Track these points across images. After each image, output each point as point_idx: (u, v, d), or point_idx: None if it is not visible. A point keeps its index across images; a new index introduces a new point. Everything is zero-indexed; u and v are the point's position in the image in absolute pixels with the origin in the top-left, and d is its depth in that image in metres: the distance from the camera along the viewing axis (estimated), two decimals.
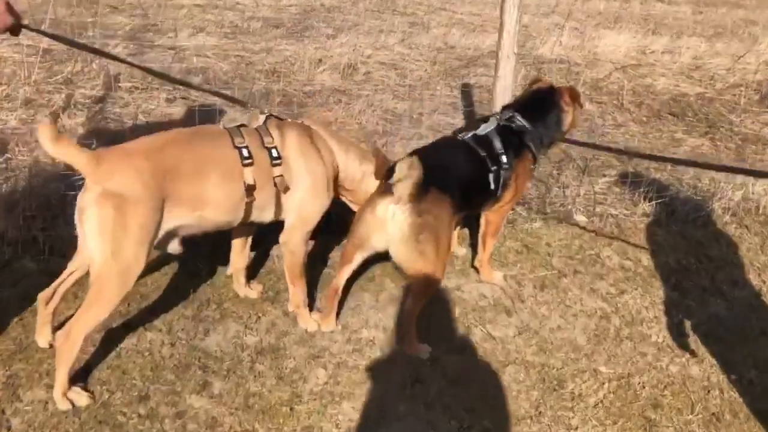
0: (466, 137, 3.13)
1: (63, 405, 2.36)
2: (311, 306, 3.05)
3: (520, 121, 3.21)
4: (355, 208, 3.10)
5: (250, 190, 2.63)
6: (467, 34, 8.37)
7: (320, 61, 6.54)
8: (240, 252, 3.08)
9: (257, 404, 2.53)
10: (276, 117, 2.86)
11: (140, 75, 5.66)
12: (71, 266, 2.54)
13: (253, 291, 3.12)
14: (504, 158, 3.10)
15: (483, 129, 3.16)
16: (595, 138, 5.10)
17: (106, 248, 2.26)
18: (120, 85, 5.40)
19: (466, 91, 6.12)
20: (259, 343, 2.84)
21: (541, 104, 3.33)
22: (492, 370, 2.86)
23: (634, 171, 4.72)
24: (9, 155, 4.05)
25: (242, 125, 2.73)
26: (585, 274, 3.58)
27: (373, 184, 2.91)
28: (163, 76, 3.33)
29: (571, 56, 7.43)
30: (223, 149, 2.57)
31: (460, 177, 2.97)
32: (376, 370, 2.77)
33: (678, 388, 2.86)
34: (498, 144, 3.12)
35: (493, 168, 3.08)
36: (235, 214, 2.69)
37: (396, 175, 2.63)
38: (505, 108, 3.36)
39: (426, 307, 3.13)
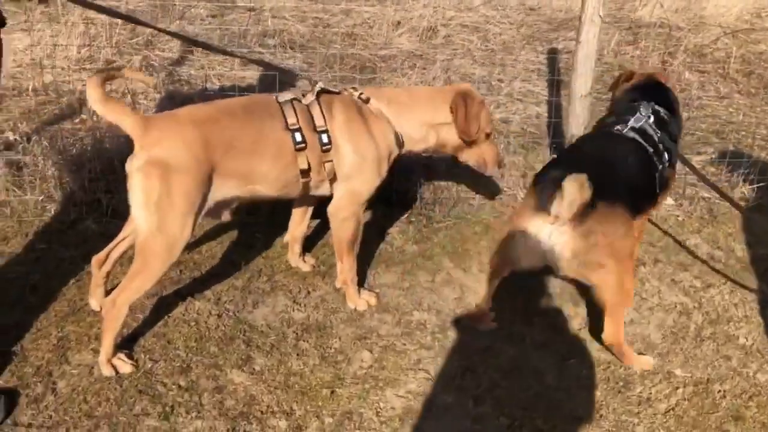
0: (625, 130, 2.74)
1: (107, 371, 2.37)
2: (362, 283, 2.92)
3: (664, 112, 2.86)
4: (475, 165, 2.94)
5: (304, 172, 2.53)
6: None
7: (399, 23, 6.29)
8: (300, 221, 2.99)
9: (297, 384, 2.45)
10: (332, 92, 2.68)
11: (217, 38, 5.67)
12: (125, 230, 2.54)
13: (306, 264, 3.03)
14: (666, 155, 2.77)
15: (637, 120, 2.78)
16: (689, 111, 4.61)
17: (152, 220, 2.22)
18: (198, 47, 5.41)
19: (552, 57, 5.71)
20: (306, 320, 2.75)
21: (666, 93, 2.98)
22: (551, 363, 2.64)
23: (734, 149, 4.24)
24: (84, 116, 4.14)
25: (295, 99, 2.57)
26: (667, 264, 3.25)
27: (448, 132, 2.76)
28: (187, 40, 3.20)
29: (674, 20, 6.78)
30: (276, 131, 2.45)
31: (629, 180, 2.61)
32: (424, 356, 2.63)
33: (765, 399, 2.53)
34: (659, 138, 2.77)
35: (660, 167, 2.74)
36: (291, 190, 2.62)
37: (562, 197, 2.31)
38: (631, 96, 2.98)
39: (482, 289, 2.94)
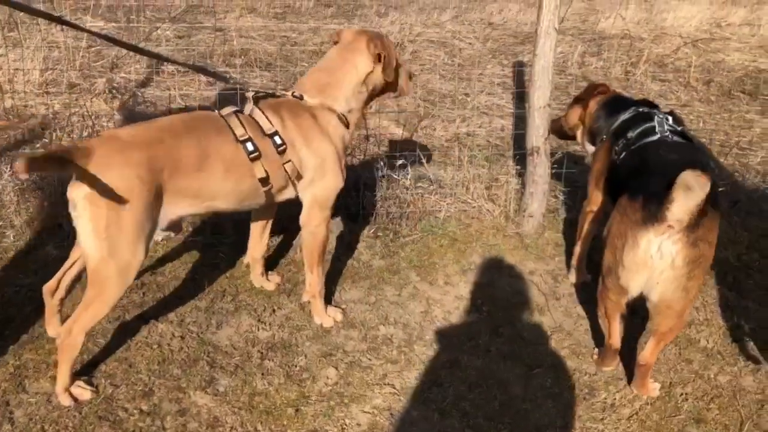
0: (667, 136, 2.66)
1: (65, 401, 2.31)
2: (328, 300, 2.91)
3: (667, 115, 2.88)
4: (396, 94, 2.94)
5: (263, 181, 2.51)
6: (525, 9, 7.97)
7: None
8: (258, 240, 2.97)
9: (262, 404, 2.42)
10: (266, 94, 2.66)
11: (183, 57, 5.66)
12: (73, 256, 2.48)
13: (270, 282, 3.02)
14: None
15: (665, 126, 2.73)
16: None
17: (102, 246, 2.16)
18: (163, 68, 5.40)
19: (517, 70, 5.79)
20: (271, 338, 2.73)
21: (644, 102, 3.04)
22: (517, 374, 2.65)
23: None
24: (46, 140, 4.09)
25: (238, 111, 2.55)
26: None
27: (374, 79, 2.70)
28: (140, 50, 3.13)
29: (636, 31, 6.94)
30: (226, 144, 2.41)
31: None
32: (390, 370, 2.62)
33: (726, 401, 2.56)
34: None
35: None
36: (254, 201, 2.59)
37: (677, 196, 2.12)
38: (641, 104, 2.99)
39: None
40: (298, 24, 6.96)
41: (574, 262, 3.18)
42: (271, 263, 3.17)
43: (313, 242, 2.73)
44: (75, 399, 2.33)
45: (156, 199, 2.24)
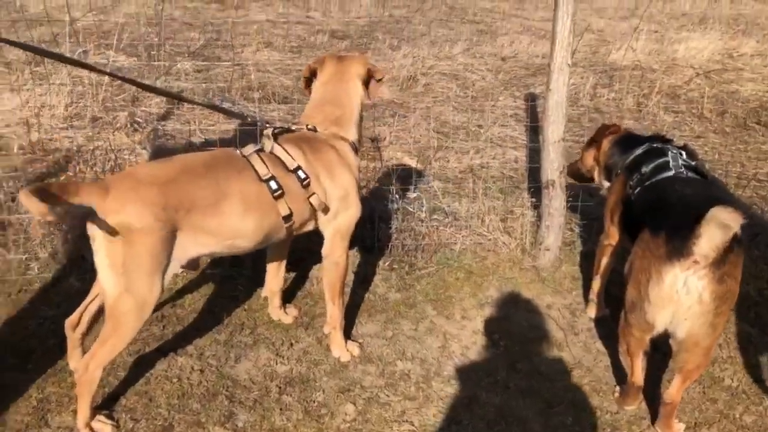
0: (681, 171, 2.69)
1: None
2: (345, 334, 2.92)
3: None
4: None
5: (287, 218, 2.54)
6: (536, 41, 8.07)
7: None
8: (275, 274, 3.00)
9: None
10: (283, 129, 2.71)
11: (202, 91, 5.78)
12: (94, 290, 2.52)
13: (288, 316, 3.04)
14: None
15: (678, 161, 2.75)
16: None
17: (119, 282, 2.19)
18: (182, 103, 5.50)
19: (530, 102, 5.85)
20: (289, 373, 2.74)
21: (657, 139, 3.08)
22: (537, 411, 2.63)
23: None
24: (70, 172, 4.18)
25: (259, 149, 2.59)
26: None
27: (365, 97, 2.80)
28: (148, 88, 3.20)
29: (648, 62, 7.00)
30: (247, 184, 2.44)
31: None
32: (409, 407, 2.61)
33: None
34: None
35: None
36: (275, 237, 2.62)
37: (705, 231, 2.12)
38: (654, 139, 3.02)
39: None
40: (313, 59, 7.08)
41: (592, 296, 3.17)
42: (288, 296, 3.19)
43: (336, 272, 2.76)
44: None
45: (172, 236, 2.27)
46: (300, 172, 2.55)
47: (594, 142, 3.28)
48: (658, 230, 2.36)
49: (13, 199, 3.65)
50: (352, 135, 2.75)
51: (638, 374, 2.56)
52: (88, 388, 2.27)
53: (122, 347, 2.30)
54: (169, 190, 2.26)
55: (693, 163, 2.81)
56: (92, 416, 2.35)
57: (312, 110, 2.77)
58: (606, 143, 3.21)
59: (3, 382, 2.56)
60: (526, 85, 6.39)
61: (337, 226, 2.71)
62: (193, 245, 2.35)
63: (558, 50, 3.15)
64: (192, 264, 2.50)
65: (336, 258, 2.74)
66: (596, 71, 6.63)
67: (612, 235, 3.01)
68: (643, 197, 2.73)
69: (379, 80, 2.80)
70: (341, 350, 2.83)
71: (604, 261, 3.09)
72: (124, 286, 2.19)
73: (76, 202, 2.12)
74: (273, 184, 2.48)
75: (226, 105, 5.49)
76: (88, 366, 2.25)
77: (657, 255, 2.30)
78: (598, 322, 3.15)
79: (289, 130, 2.71)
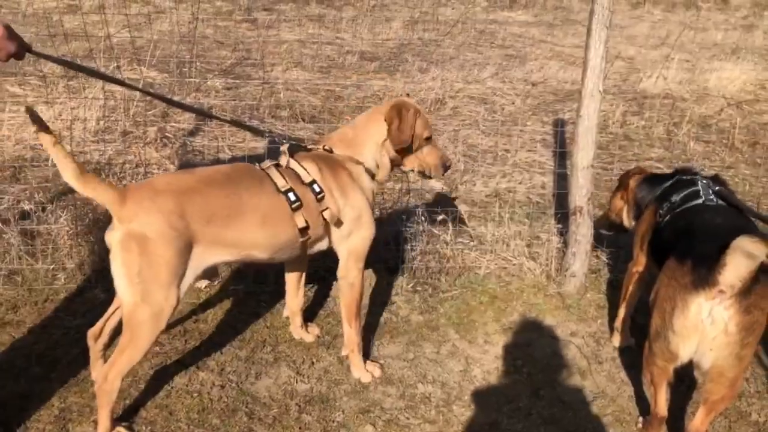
0: (711, 199, 2.68)
1: None
2: (366, 355, 2.90)
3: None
4: (419, 171, 2.93)
5: (303, 231, 2.56)
6: (566, 67, 8.05)
7: (408, 95, 6.47)
8: (294, 294, 3.01)
9: None
10: (300, 147, 2.78)
11: (230, 108, 5.86)
12: (116, 302, 2.54)
13: (309, 335, 3.03)
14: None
15: (708, 190, 2.74)
16: None
17: (135, 291, 2.22)
18: (211, 119, 5.59)
19: (558, 128, 5.82)
20: (309, 392, 2.72)
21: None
22: None
23: None
24: None
25: (277, 164, 2.63)
26: None
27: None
28: (164, 99, 3.20)
29: (678, 91, 6.94)
30: (267, 196, 2.49)
31: None
32: (428, 430, 2.58)
33: None
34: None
35: None
36: (290, 252, 2.63)
37: (731, 261, 2.10)
38: (682, 173, 2.98)
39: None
40: (343, 79, 7.15)
41: (617, 324, 3.12)
42: (310, 315, 3.19)
43: (351, 294, 2.76)
44: None
45: (189, 245, 2.30)
46: (315, 186, 2.58)
47: (620, 186, 3.28)
48: (684, 258, 2.32)
49: (44, 210, 3.72)
50: (366, 160, 2.76)
51: (662, 405, 2.50)
52: (107, 398, 2.28)
53: (140, 357, 2.31)
54: (187, 200, 2.30)
55: (724, 193, 2.77)
56: (112, 427, 2.35)
57: (334, 133, 2.83)
58: (633, 182, 3.18)
59: (26, 391, 2.59)
60: (555, 111, 6.37)
61: (350, 247, 2.72)
62: (210, 255, 2.38)
63: (590, 76, 3.14)
64: (209, 273, 2.53)
65: (351, 279, 2.74)
66: (626, 99, 6.59)
67: (640, 262, 2.97)
68: (672, 225, 2.70)
69: (399, 128, 2.69)
70: (361, 371, 2.81)
71: (631, 289, 3.04)
72: (141, 296, 2.21)
73: (91, 194, 2.18)
74: (291, 196, 2.51)
75: (254, 122, 5.56)
76: (107, 376, 2.26)
77: (682, 283, 2.27)
78: (623, 351, 3.09)
79: (305, 149, 2.77)
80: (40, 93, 5.68)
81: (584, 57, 3.19)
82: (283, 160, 2.64)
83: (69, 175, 2.12)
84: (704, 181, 2.81)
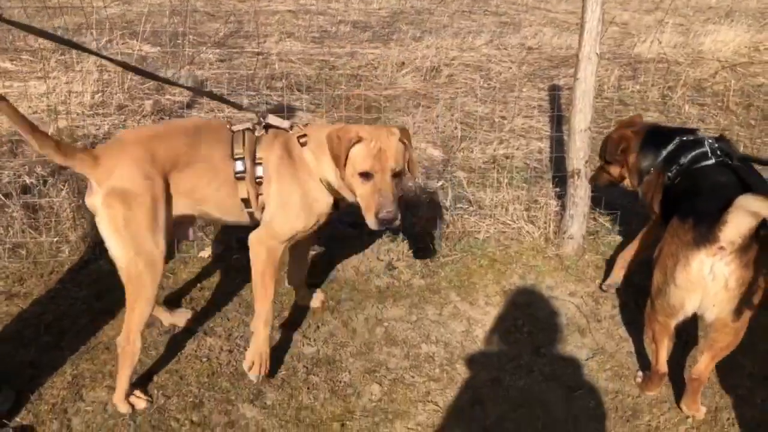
0: (721, 159, 2.66)
1: (123, 408, 2.41)
2: (372, 315, 2.95)
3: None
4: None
5: (245, 202, 2.53)
6: (560, 33, 8.01)
7: (403, 64, 6.45)
8: (298, 270, 3.03)
9: (308, 418, 2.48)
10: (272, 125, 2.58)
11: (226, 81, 5.83)
12: None
13: (316, 299, 3.08)
14: None
15: (717, 152, 2.71)
16: None
17: (127, 246, 2.28)
18: (206, 90, 5.57)
19: (553, 93, 5.83)
20: (316, 354, 2.79)
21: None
22: (560, 395, 2.66)
23: None
24: None
25: (248, 129, 2.54)
26: None
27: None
28: (143, 72, 2.94)
29: (672, 55, 6.93)
30: (220, 157, 2.46)
31: None
32: (433, 388, 2.65)
33: None
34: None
35: None
36: (238, 218, 2.61)
37: (732, 218, 2.15)
38: (687, 132, 2.94)
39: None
40: (336, 49, 7.11)
41: (619, 264, 3.16)
42: (316, 281, 3.23)
43: (257, 265, 2.53)
44: (132, 407, 2.42)
45: (163, 190, 2.34)
46: (259, 168, 2.50)
47: (613, 160, 3.13)
48: (686, 216, 2.36)
49: (45, 183, 3.74)
50: (322, 173, 2.50)
51: (662, 361, 2.57)
52: (130, 360, 2.35)
53: (150, 308, 2.37)
54: (156, 145, 2.34)
55: (730, 151, 2.76)
56: (130, 391, 2.41)
57: (317, 130, 2.55)
58: (633, 147, 3.03)
59: (37, 360, 2.64)
60: (550, 77, 6.36)
61: (269, 222, 2.53)
62: (176, 204, 2.42)
63: (587, 39, 3.15)
64: (181, 231, 2.57)
65: (257, 246, 2.52)
66: (621, 63, 6.58)
67: (658, 219, 2.93)
68: (680, 185, 2.71)
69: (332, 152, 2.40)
70: (260, 351, 2.54)
71: (646, 234, 3.07)
72: (133, 249, 2.27)
73: (67, 164, 2.24)
74: (239, 165, 2.47)
75: (250, 94, 5.55)
76: (129, 336, 2.32)
77: (684, 240, 2.31)
78: (622, 309, 3.16)
79: (285, 129, 2.58)
80: (32, 68, 5.63)
81: (581, 19, 3.19)
82: (258, 130, 2.56)
83: (50, 150, 2.18)
84: (710, 141, 2.80)
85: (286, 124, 2.59)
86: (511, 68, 6.60)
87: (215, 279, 3.22)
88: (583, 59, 3.21)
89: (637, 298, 3.14)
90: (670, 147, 2.89)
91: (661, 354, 2.56)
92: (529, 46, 7.47)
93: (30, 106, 4.97)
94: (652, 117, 5.49)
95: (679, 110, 5.59)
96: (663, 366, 2.58)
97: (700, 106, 5.71)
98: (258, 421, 2.45)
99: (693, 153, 2.74)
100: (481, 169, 4.37)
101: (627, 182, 3.20)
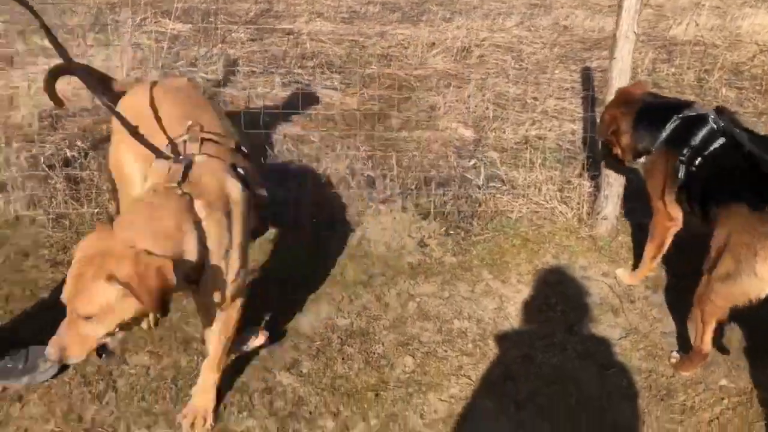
0: (737, 133, 2.63)
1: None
2: (405, 292, 2.98)
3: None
4: None
5: None
6: (592, 15, 7.89)
7: (433, 44, 6.43)
8: None
9: (343, 386, 2.53)
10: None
11: (259, 60, 5.87)
12: None
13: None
14: None
15: (725, 129, 2.67)
16: None
17: None
18: (239, 69, 5.61)
19: (586, 75, 5.76)
20: (350, 326, 2.83)
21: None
22: (593, 373, 2.67)
23: None
24: None
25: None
26: None
27: None
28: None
29: (709, 37, 6.80)
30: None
31: None
32: (466, 362, 2.68)
33: None
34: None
35: None
36: None
37: None
38: (683, 106, 2.90)
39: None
40: (366, 29, 7.09)
41: (641, 271, 3.15)
42: (346, 256, 3.26)
43: None
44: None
45: None
46: None
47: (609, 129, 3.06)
48: (758, 205, 2.35)
49: (86, 156, 3.83)
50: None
51: (708, 342, 2.57)
52: None
53: None
54: None
55: (737, 126, 2.71)
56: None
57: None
58: (625, 128, 2.98)
59: None
60: (582, 59, 6.29)
61: None
62: None
63: (625, 17, 3.11)
64: None
65: None
66: (655, 46, 6.48)
67: (674, 217, 2.91)
68: (712, 168, 2.65)
69: None
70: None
71: (668, 243, 3.01)
72: None
73: None
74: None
75: (282, 72, 5.59)
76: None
77: (762, 232, 2.32)
78: (655, 290, 3.15)
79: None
80: (68, 46, 5.72)
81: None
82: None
83: None
84: (713, 116, 2.72)
85: None
86: (542, 50, 6.53)
87: (252, 253, 3.27)
88: (621, 38, 3.17)
89: (673, 281, 3.14)
90: (670, 126, 2.82)
91: (708, 335, 2.56)
92: (560, 27, 7.39)
93: (68, 82, 5.05)
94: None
95: (716, 93, 5.49)
96: (708, 346, 2.58)
97: (737, 89, 5.61)
98: (294, 388, 2.51)
99: (701, 132, 2.68)
100: (514, 150, 4.36)
101: (624, 157, 3.10)
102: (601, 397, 2.56)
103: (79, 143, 3.97)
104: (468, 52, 6.27)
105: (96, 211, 3.46)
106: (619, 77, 3.30)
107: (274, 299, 2.95)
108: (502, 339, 2.82)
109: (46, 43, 5.80)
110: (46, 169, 3.58)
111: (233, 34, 6.62)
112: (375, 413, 2.42)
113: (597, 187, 3.60)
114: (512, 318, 2.95)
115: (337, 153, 4.07)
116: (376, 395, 2.49)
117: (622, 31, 3.16)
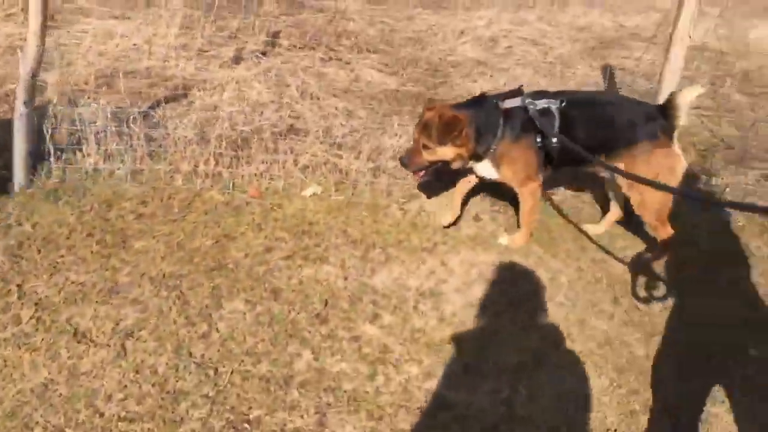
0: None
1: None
2: (466, 261, 3.25)
3: None
4: None
5: None
6: (604, 13, 8.21)
7: (462, 32, 6.67)
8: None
9: (422, 339, 2.79)
10: None
11: (298, 34, 6.04)
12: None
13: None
14: None
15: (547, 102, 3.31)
16: (746, 131, 4.96)
17: None
18: (280, 42, 5.79)
19: (609, 72, 6.06)
20: (420, 287, 3.09)
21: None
22: (639, 338, 2.97)
23: None
24: (191, 99, 4.50)
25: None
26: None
27: None
28: None
29: (718, 46, 7.15)
30: None
31: None
32: (530, 323, 2.96)
33: None
34: None
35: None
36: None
37: None
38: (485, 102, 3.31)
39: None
40: (395, 12, 7.29)
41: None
42: (408, 226, 3.51)
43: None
44: None
45: None
46: None
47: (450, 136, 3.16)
48: None
49: (145, 117, 3.99)
50: None
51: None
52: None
53: None
54: None
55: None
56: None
57: None
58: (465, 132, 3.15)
59: (177, 272, 2.93)
60: (602, 57, 6.59)
61: None
62: None
63: (682, 22, 3.39)
64: None
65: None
66: (663, 48, 6.80)
67: (538, 181, 3.35)
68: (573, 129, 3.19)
69: None
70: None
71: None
72: None
73: None
74: None
75: (322, 48, 5.76)
76: None
77: None
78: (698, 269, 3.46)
79: None
80: (117, 8, 5.83)
81: (678, 2, 3.43)
82: None
83: None
84: (527, 100, 3.29)
85: None
86: (564, 45, 6.82)
87: (320, 216, 3.50)
88: (677, 42, 3.46)
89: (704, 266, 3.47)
90: (504, 119, 3.25)
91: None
92: (579, 24, 7.67)
93: (117, 44, 5.19)
94: (700, 103, 5.75)
95: (728, 98, 5.84)
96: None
97: (749, 95, 5.97)
98: (379, 337, 2.76)
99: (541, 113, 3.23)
100: None
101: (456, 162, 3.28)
102: (648, 358, 2.86)
103: (135, 103, 4.14)
104: (496, 43, 6.53)
105: (169, 168, 3.65)
106: (671, 77, 3.59)
107: (349, 257, 3.19)
108: (558, 305, 3.10)
109: (86, 2, 5.86)
110: (125, 124, 3.75)
111: (265, 7, 6.78)
112: (454, 363, 2.69)
113: None
114: (565, 287, 3.23)
115: (387, 128, 4.30)
116: (455, 347, 2.76)
117: (678, 35, 3.44)
